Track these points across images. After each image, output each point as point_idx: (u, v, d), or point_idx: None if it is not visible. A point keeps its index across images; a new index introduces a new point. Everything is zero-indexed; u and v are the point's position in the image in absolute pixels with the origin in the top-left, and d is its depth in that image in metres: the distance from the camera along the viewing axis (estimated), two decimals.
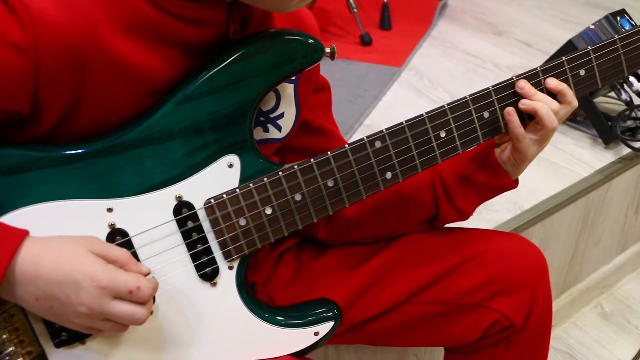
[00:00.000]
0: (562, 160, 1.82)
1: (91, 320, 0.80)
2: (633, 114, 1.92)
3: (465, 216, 1.09)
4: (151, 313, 0.89)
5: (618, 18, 1.85)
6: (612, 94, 1.97)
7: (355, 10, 2.39)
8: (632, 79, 1.88)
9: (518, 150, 0.99)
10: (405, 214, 1.11)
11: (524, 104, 0.97)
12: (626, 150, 1.87)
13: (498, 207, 1.62)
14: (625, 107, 1.91)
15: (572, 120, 2.00)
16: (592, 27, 1.83)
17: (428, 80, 2.23)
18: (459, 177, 1.05)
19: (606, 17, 1.84)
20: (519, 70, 0.98)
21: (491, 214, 1.60)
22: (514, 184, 1.05)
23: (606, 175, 1.79)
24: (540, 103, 0.96)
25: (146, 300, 0.82)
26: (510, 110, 0.97)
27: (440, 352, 1.56)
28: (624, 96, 1.91)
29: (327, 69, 1.12)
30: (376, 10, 2.61)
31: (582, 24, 2.20)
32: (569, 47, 1.84)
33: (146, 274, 0.85)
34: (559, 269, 1.84)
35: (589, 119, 1.91)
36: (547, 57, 2.19)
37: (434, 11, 2.67)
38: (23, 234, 0.78)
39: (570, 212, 1.74)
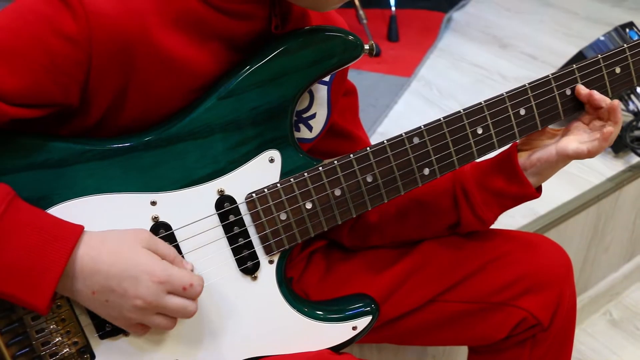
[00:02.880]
0: (575, 169, 1.84)
1: (144, 315, 0.82)
2: None
3: (486, 224, 1.09)
4: None
5: (627, 30, 1.89)
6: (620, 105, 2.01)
7: (364, 21, 2.42)
8: (639, 90, 1.93)
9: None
10: (426, 221, 1.12)
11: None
12: (635, 160, 1.89)
13: (514, 212, 1.61)
14: (632, 117, 1.94)
15: None
16: (602, 38, 1.87)
17: (437, 91, 2.26)
18: (482, 185, 1.06)
19: (615, 29, 1.88)
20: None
21: (507, 219, 1.61)
22: (536, 193, 1.05)
23: (617, 183, 1.81)
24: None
25: (197, 297, 0.84)
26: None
27: (458, 354, 1.57)
28: (631, 107, 1.95)
29: None
30: (383, 23, 2.64)
31: (584, 38, 2.25)
32: (579, 58, 1.88)
33: (191, 271, 0.86)
34: None
35: None
36: (552, 69, 2.22)
37: (439, 24, 2.70)
38: (80, 229, 0.80)
39: (583, 218, 1.76)
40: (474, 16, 2.87)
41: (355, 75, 2.30)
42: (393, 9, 2.64)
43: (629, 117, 1.95)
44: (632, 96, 1.96)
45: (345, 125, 1.13)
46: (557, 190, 1.74)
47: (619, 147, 1.91)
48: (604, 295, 2.02)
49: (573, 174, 1.82)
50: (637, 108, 1.94)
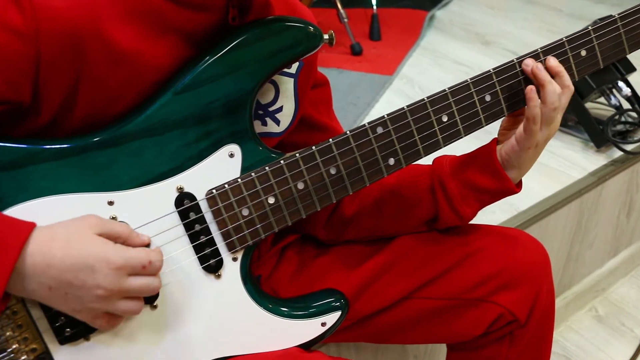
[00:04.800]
0: (556, 164, 1.83)
1: (108, 302, 0.80)
2: (623, 118, 1.95)
3: (464, 220, 1.07)
4: (156, 307, 0.88)
5: None
6: (601, 99, 1.99)
7: (345, 20, 2.41)
8: (621, 84, 1.91)
9: (529, 132, 0.95)
10: (404, 216, 1.09)
11: (538, 68, 0.95)
12: (617, 154, 1.88)
13: (494, 207, 1.60)
14: (614, 111, 1.93)
15: (564, 125, 2.01)
16: None
17: (419, 88, 2.24)
18: (461, 181, 1.03)
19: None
20: None
21: (488, 215, 1.60)
22: (516, 188, 1.03)
23: (599, 177, 1.79)
24: (549, 78, 0.95)
25: (158, 271, 0.83)
26: (532, 87, 0.94)
27: (440, 354, 1.55)
28: (613, 101, 1.93)
29: None
30: (365, 22, 2.63)
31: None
32: None
33: (148, 244, 0.85)
34: (554, 272, 1.81)
35: (581, 123, 1.92)
36: None
37: (422, 23, 2.70)
38: (30, 226, 0.77)
39: (565, 213, 1.74)
40: (457, 14, 2.87)
41: (337, 75, 2.30)
42: (374, 7, 2.63)
43: (611, 112, 1.94)
44: (614, 90, 1.94)
45: (319, 118, 1.11)
46: (538, 185, 1.72)
47: (602, 141, 1.89)
48: (590, 291, 2.00)
49: (554, 168, 1.81)
50: (619, 102, 1.93)
